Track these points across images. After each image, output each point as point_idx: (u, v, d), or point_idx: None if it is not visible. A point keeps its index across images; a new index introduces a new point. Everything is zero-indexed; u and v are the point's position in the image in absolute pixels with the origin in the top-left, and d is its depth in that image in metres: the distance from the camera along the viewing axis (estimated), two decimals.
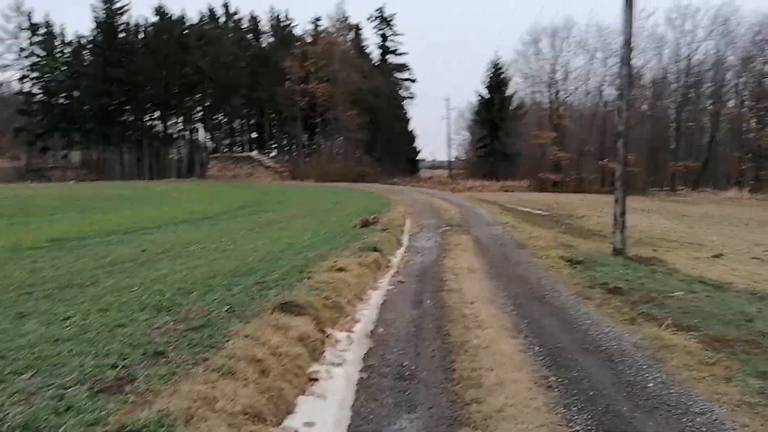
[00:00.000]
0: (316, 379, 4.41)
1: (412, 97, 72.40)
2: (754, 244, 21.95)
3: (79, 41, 65.73)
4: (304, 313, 5.38)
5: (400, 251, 12.59)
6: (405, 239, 14.65)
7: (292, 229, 14.15)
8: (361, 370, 4.90)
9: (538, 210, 31.61)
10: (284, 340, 4.53)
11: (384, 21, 67.39)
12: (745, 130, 57.92)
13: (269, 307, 5.44)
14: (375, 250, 10.57)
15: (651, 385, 4.71)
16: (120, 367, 3.82)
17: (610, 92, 54.20)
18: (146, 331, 4.71)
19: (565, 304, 7.93)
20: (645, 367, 5.19)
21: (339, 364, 4.83)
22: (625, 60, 13.62)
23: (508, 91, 61.86)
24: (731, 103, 56.57)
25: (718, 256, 18.00)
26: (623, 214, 14.06)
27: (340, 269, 7.91)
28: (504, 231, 17.05)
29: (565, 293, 8.66)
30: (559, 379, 4.76)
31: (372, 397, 4.35)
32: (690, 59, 53.20)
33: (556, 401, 4.29)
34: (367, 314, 6.69)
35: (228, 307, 5.49)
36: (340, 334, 5.56)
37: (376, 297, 7.76)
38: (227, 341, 4.43)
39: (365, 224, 14.49)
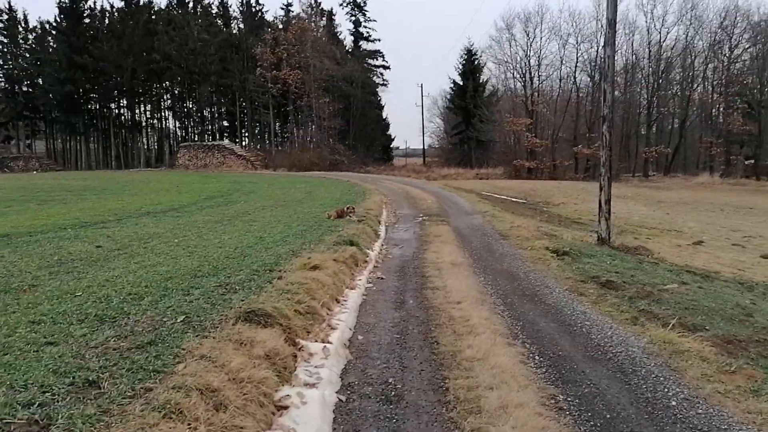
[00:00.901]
0: (285, 407, 3.67)
1: (386, 84, 71.51)
2: (731, 230, 21.86)
3: (42, 27, 63.21)
4: (272, 323, 4.63)
5: (378, 244, 11.89)
6: (382, 231, 13.95)
7: (263, 221, 13.32)
8: (338, 391, 4.18)
9: (515, 198, 31.23)
10: (247, 361, 3.79)
11: (357, 6, 66.16)
12: (715, 115, 58.55)
13: (232, 316, 4.68)
14: (351, 243, 9.85)
15: (674, 403, 4.09)
16: (37, 404, 3.03)
17: (582, 78, 54.26)
18: (81, 350, 3.90)
19: (559, 301, 7.33)
20: (662, 379, 4.58)
21: (313, 385, 4.10)
22: (609, 41, 13.03)
23: (482, 78, 61.42)
24: (700, 89, 56.95)
25: (698, 243, 17.80)
26: (608, 201, 13.58)
27: (314, 267, 7.16)
28: (484, 220, 16.46)
29: (557, 289, 8.06)
30: (569, 399, 4.11)
31: (352, 427, 3.65)
32: (660, 45, 53.28)
33: (571, 430, 3.63)
34: (344, 319, 5.97)
35: (184, 317, 4.70)
36: (314, 346, 4.83)
37: (354, 297, 7.04)
38: (178, 364, 3.66)
39: (340, 215, 13.73)
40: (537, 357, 5.08)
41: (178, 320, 4.60)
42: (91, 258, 7.92)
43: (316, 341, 5.02)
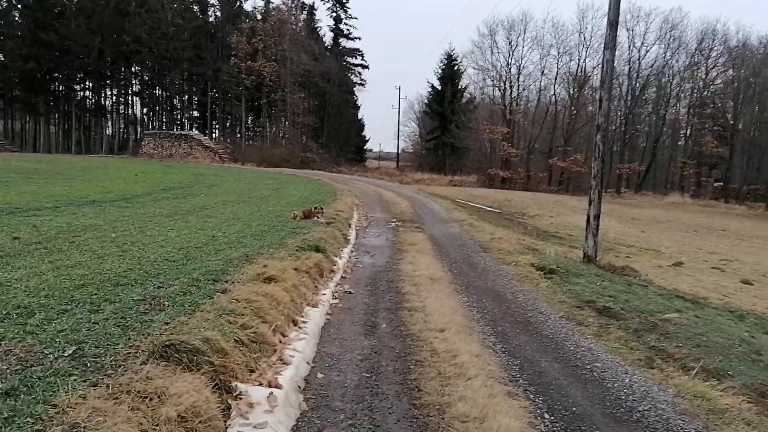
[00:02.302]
0: None
1: (363, 84, 70.16)
2: (708, 252, 21.30)
3: (8, 0, 59.97)
4: (199, 362, 3.38)
5: (347, 250, 10.67)
6: (353, 235, 12.72)
7: (220, 218, 11.95)
8: None
9: (490, 207, 30.34)
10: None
11: (338, 3, 64.71)
12: (687, 135, 58.89)
13: (145, 350, 3.41)
14: (317, 249, 8.60)
15: None
16: None
17: (560, 91, 53.87)
18: None
19: (557, 332, 6.21)
20: None
21: None
22: (609, 43, 12.06)
23: (461, 84, 60.73)
24: (675, 109, 57.21)
25: (678, 264, 17.08)
26: (597, 217, 12.64)
27: (270, 278, 5.89)
28: (462, 230, 15.37)
29: (552, 316, 6.96)
30: None
31: None
32: (639, 62, 53.28)
33: None
34: (302, 348, 4.73)
35: (75, 348, 3.40)
36: (257, 392, 3.58)
37: (315, 318, 5.79)
38: None
39: (307, 216, 12.45)
40: (547, 416, 3.93)
41: (66, 354, 3.30)
42: None
43: (261, 384, 3.77)
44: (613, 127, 55.78)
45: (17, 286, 4.82)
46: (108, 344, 3.50)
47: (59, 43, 54.31)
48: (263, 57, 54.86)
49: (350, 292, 7.42)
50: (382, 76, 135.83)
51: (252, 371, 3.87)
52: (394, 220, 16.56)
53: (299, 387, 4.06)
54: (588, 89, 53.91)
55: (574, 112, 52.31)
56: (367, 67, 69.67)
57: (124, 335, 3.69)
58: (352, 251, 10.86)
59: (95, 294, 4.73)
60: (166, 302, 4.67)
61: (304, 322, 5.52)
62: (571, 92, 52.98)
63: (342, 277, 8.39)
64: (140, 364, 3.20)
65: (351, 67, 67.92)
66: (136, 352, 3.40)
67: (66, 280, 5.17)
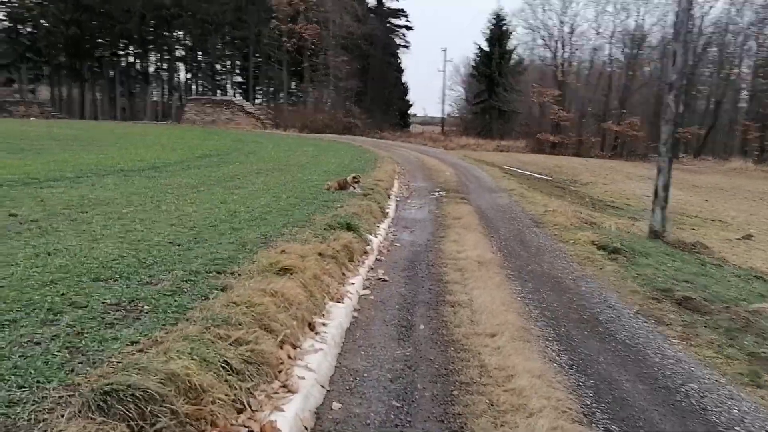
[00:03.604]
0: None
1: (407, 46, 68.10)
2: None
3: None
4: (153, 416, 2.40)
5: (384, 225, 9.63)
6: (391, 208, 11.66)
7: (249, 189, 11.07)
8: None
9: (540, 174, 28.75)
10: None
11: None
12: (751, 96, 54.79)
13: (77, 402, 2.44)
14: (348, 227, 7.57)
15: None
16: None
17: (616, 52, 50.73)
18: None
19: (634, 336, 5.05)
20: None
21: None
22: None
23: (509, 45, 57.93)
24: (737, 69, 53.23)
25: (748, 237, 15.53)
26: (666, 187, 11.19)
27: (285, 269, 4.90)
28: (511, 200, 14.10)
29: (625, 312, 5.78)
30: None
31: None
32: (702, 19, 49.46)
33: None
34: (316, 365, 3.74)
35: None
36: None
37: (339, 317, 4.80)
38: None
39: (342, 187, 11.42)
40: None
41: None
42: None
43: (252, 428, 2.79)
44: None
45: None
46: (37, 382, 2.56)
47: (101, 7, 54.17)
48: (304, 19, 53.41)
49: (384, 280, 6.39)
50: (427, 39, 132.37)
51: (240, 411, 2.90)
52: (438, 189, 15.41)
53: (306, 429, 3.07)
54: (646, 49, 50.71)
55: (631, 73, 49.22)
56: (411, 28, 67.61)
57: (65, 366, 2.74)
58: (390, 226, 9.83)
59: (62, 294, 3.82)
60: (146, 307, 3.73)
61: (323, 324, 4.53)
62: (628, 52, 49.80)
63: (376, 259, 7.37)
64: (67, 420, 2.24)
65: (395, 28, 65.81)
66: (70, 396, 2.45)
67: (37, 273, 4.30)
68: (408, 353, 4.30)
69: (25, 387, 2.50)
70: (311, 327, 4.37)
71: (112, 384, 2.40)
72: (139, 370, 2.58)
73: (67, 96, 62.58)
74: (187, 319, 3.55)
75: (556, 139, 46.69)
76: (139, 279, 4.37)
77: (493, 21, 56.87)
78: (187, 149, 21.82)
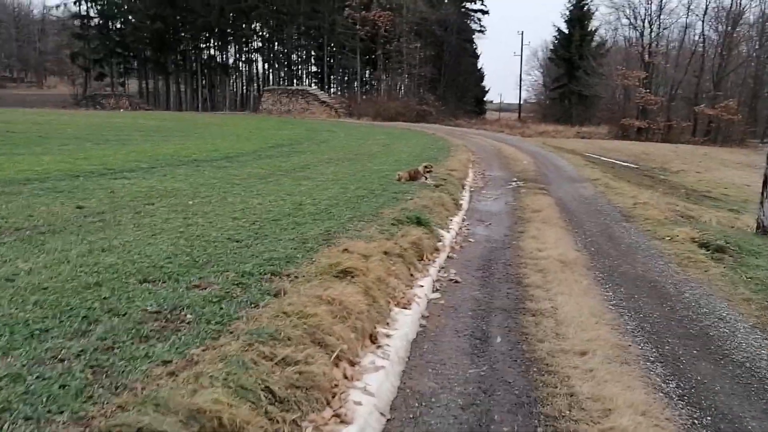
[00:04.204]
0: None
1: (483, 31, 66.21)
2: None
3: None
4: None
5: (458, 218, 9.03)
6: (465, 199, 11.02)
7: (318, 179, 10.75)
8: None
9: (625, 162, 27.02)
10: None
11: None
12: None
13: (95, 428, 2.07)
14: (419, 222, 7.04)
15: None
16: None
17: (708, 30, 47.09)
18: None
19: (755, 357, 4.25)
20: None
21: None
22: None
23: (591, 26, 55.18)
24: None
25: None
26: None
27: (345, 272, 4.44)
28: (596, 191, 13.09)
29: (740, 326, 4.93)
30: None
31: None
32: None
33: None
34: (375, 388, 3.25)
35: None
36: None
37: (405, 326, 4.29)
38: None
39: (413, 178, 10.89)
40: None
41: None
42: (41, 228, 5.59)
43: None
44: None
45: (18, 283, 3.74)
46: (47, 412, 2.20)
47: (183, 2, 56.00)
48: (377, 5, 52.99)
49: (456, 281, 5.82)
50: (503, 22, 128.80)
51: None
52: (515, 179, 14.59)
53: None
54: (743, 26, 46.82)
55: (725, 52, 45.55)
56: (487, 12, 65.65)
57: (83, 392, 2.37)
58: (463, 219, 9.22)
59: (104, 299, 3.52)
60: (188, 316, 3.36)
61: (387, 335, 4.03)
62: (723, 29, 46.10)
63: (448, 257, 6.81)
64: None
65: (470, 12, 64.15)
66: None
67: (84, 273, 4.05)
68: (483, 373, 3.74)
69: (31, 419, 2.15)
70: (372, 339, 3.89)
71: (120, 426, 2.00)
72: (157, 405, 2.17)
73: (153, 88, 65.39)
74: (231, 332, 3.15)
75: (642, 125, 44.02)
76: (188, 281, 4.03)
77: (574, 1, 54.35)
78: (260, 139, 21.95)
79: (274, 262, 4.65)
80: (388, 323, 4.27)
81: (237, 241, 5.38)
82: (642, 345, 4.32)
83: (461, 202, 10.48)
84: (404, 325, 4.32)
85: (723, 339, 4.61)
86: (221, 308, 3.52)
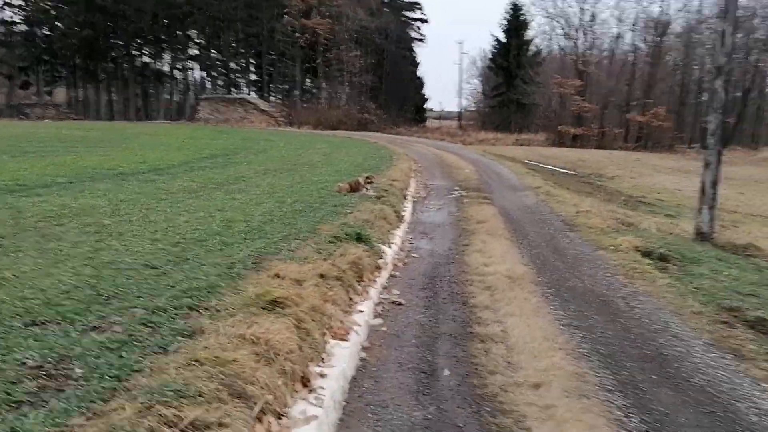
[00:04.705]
0: None
1: (422, 40, 66.77)
2: None
3: None
4: None
5: (400, 231, 8.64)
6: (408, 210, 10.66)
7: (252, 192, 10.15)
8: None
9: (563, 169, 27.54)
10: None
11: None
12: None
13: None
14: (359, 238, 6.59)
15: None
16: None
17: (637, 40, 49.00)
18: None
19: (714, 380, 4.01)
20: None
21: None
22: None
23: (528, 35, 56.42)
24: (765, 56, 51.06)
25: None
26: (715, 184, 10.07)
27: (275, 302, 3.93)
28: (538, 200, 13.01)
29: (694, 343, 4.73)
30: None
31: None
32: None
33: None
34: None
35: None
36: None
37: (342, 362, 3.81)
38: None
39: (354, 189, 10.47)
40: None
41: None
42: None
43: None
44: (693, 77, 50.50)
45: None
46: None
47: (113, 8, 53.78)
48: (317, 14, 52.49)
49: (399, 303, 5.40)
50: (442, 31, 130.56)
51: None
52: (458, 188, 14.37)
53: None
54: (670, 36, 48.99)
55: (653, 61, 47.47)
56: (426, 21, 66.48)
57: None
58: (406, 232, 8.86)
59: None
60: (77, 370, 2.78)
61: (322, 375, 3.55)
62: (651, 40, 48.05)
63: (391, 275, 6.40)
64: None
65: (409, 21, 64.66)
66: None
67: None
68: (429, 416, 3.31)
69: None
70: (305, 382, 3.40)
71: None
72: None
73: (83, 97, 62.37)
74: (128, 390, 2.60)
75: (577, 132, 45.26)
76: (85, 321, 3.44)
77: (511, 11, 55.47)
78: (194, 149, 21.02)
79: (192, 293, 4.09)
80: (323, 359, 3.79)
81: (153, 268, 4.77)
82: (599, 371, 4.00)
83: (403, 213, 10.11)
84: (341, 360, 3.85)
85: (680, 360, 4.37)
86: (120, 357, 2.96)
